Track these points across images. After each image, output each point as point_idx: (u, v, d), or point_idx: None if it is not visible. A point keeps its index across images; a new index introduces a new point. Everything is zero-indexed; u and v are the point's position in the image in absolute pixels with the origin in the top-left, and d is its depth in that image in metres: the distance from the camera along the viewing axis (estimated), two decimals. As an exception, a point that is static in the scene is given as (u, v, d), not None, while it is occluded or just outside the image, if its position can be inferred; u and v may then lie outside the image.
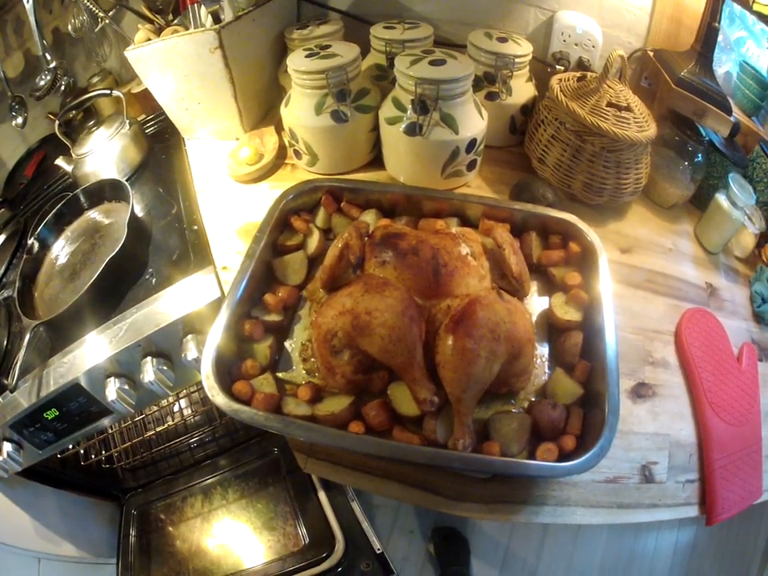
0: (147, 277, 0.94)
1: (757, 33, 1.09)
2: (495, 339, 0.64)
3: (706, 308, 0.93)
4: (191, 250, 0.96)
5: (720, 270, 1.02)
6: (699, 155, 1.03)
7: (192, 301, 0.87)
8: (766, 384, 0.90)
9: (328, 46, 0.95)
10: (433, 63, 0.88)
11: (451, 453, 0.62)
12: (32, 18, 1.17)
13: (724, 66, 1.15)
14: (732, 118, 0.98)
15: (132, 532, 1.32)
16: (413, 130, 0.89)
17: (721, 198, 0.99)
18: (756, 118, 1.12)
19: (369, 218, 0.87)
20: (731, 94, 1.13)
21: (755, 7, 0.99)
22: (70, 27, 1.27)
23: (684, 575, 1.59)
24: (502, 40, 1.00)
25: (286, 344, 0.78)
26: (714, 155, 1.05)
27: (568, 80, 0.97)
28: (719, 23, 0.97)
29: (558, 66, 1.09)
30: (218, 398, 0.64)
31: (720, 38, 1.03)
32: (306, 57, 0.92)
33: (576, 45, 1.10)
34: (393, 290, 0.68)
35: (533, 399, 0.71)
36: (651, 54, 1.08)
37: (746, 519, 1.65)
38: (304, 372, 0.75)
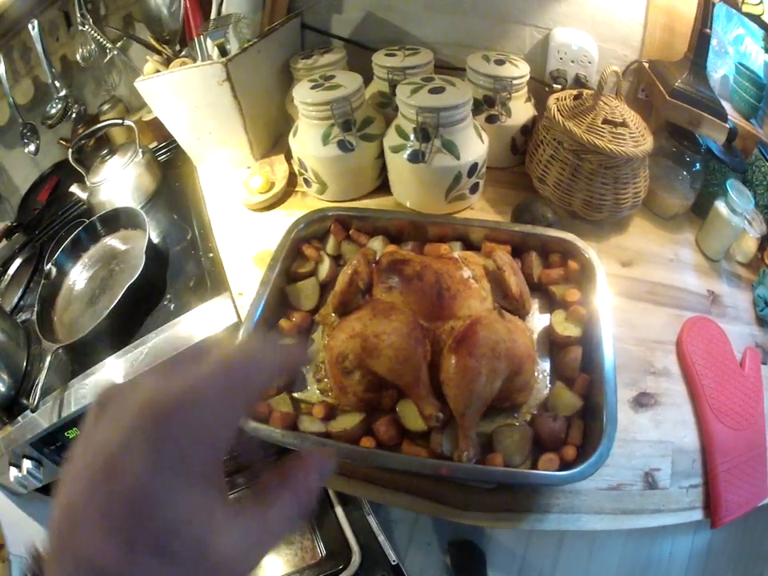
0: (166, 302, 0.97)
1: (754, 29, 1.07)
2: (496, 357, 0.66)
3: (707, 316, 0.93)
4: (207, 277, 0.98)
5: (722, 276, 1.02)
6: (697, 164, 1.02)
7: (210, 326, 0.89)
8: (770, 387, 0.89)
9: (332, 77, 0.97)
10: (432, 91, 0.89)
11: (456, 464, 0.65)
12: (39, 46, 1.17)
13: (720, 70, 1.13)
14: (728, 124, 0.97)
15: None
16: (416, 157, 0.91)
17: (720, 205, 0.98)
18: (754, 119, 1.10)
19: (376, 244, 0.89)
20: (728, 98, 1.11)
21: (744, 8, 0.98)
22: (78, 56, 1.27)
23: (700, 577, 1.59)
24: (500, 62, 1.01)
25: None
26: (712, 162, 1.04)
27: (564, 99, 0.98)
28: (710, 29, 0.96)
29: (555, 85, 1.10)
30: (237, 417, 0.68)
31: (714, 42, 1.02)
32: (311, 88, 0.94)
33: (572, 62, 1.10)
34: (399, 314, 0.71)
35: (535, 412, 0.73)
36: (647, 65, 1.08)
37: (761, 520, 1.64)
38: (318, 392, 0.77)
